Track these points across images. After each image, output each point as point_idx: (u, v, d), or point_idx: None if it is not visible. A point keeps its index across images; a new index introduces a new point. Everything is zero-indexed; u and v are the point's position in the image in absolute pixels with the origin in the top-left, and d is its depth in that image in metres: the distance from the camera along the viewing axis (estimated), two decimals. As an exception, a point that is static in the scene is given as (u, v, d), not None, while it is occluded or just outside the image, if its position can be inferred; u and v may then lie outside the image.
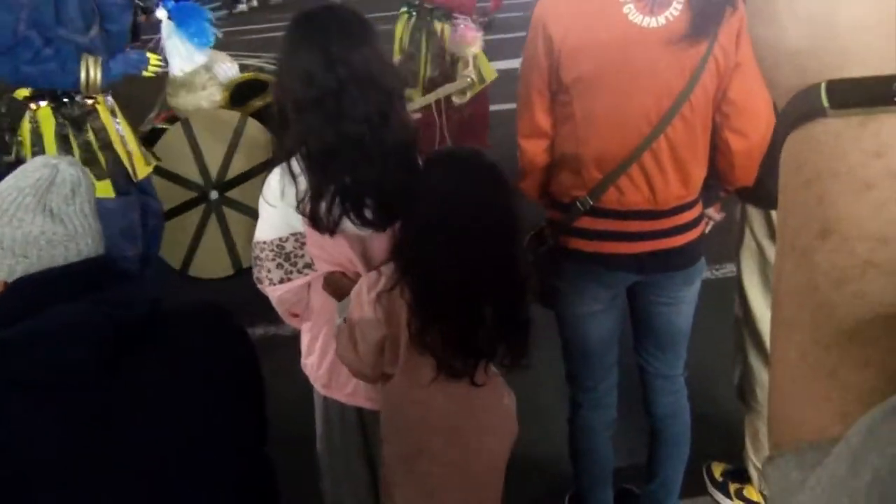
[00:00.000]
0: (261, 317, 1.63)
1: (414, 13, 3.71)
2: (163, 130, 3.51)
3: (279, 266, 1.51)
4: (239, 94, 3.46)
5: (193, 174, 3.46)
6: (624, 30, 1.49)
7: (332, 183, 1.41)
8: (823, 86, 0.40)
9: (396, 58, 3.79)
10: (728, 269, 2.24)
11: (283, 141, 1.47)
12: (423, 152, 1.53)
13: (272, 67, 3.97)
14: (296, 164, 1.45)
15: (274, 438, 1.23)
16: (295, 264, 1.52)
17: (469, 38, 3.51)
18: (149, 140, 3.37)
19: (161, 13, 2.41)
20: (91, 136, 2.47)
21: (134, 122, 3.45)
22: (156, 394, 1.12)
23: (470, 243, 1.32)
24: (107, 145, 2.49)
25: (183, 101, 3.31)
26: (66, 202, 1.13)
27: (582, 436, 1.93)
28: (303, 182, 1.43)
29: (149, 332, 1.15)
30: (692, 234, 1.70)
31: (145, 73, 2.52)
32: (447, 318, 1.35)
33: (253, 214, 1.67)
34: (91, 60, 2.35)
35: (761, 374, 1.99)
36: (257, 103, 3.49)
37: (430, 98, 3.54)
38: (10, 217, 1.10)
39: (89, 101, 2.46)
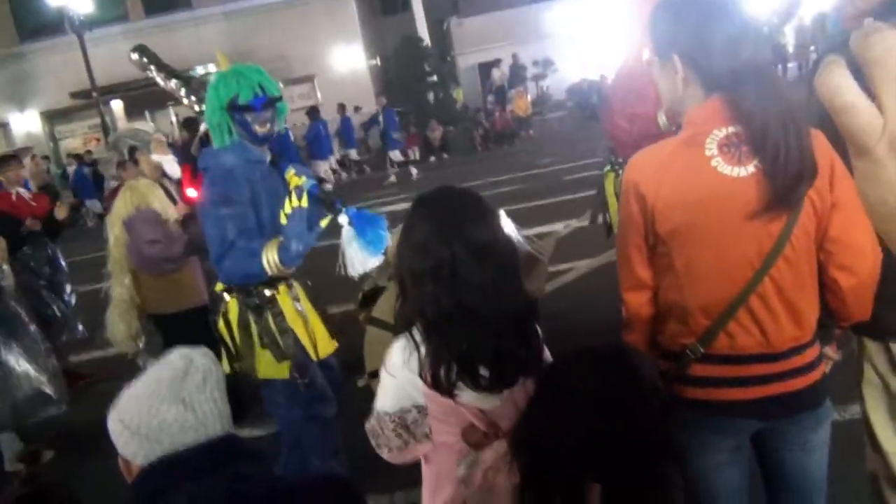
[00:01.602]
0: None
1: (620, 170, 3.71)
2: (383, 288, 3.77)
3: (398, 435, 1.55)
4: None
5: None
6: (713, 181, 1.52)
7: (449, 349, 1.47)
8: None
9: (614, 214, 3.75)
10: (855, 410, 2.10)
11: (402, 311, 1.55)
12: None
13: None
14: (417, 334, 1.52)
15: None
16: (413, 434, 1.56)
17: None
18: (371, 297, 3.60)
19: (343, 219, 2.51)
20: (270, 322, 2.67)
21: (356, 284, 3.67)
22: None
23: (605, 446, 1.29)
24: (284, 330, 2.69)
25: None
26: (198, 390, 1.23)
27: None
28: (423, 350, 1.50)
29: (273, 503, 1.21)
30: (813, 376, 1.63)
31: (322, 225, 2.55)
32: None
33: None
34: (269, 246, 2.49)
35: None
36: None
37: None
38: (149, 407, 1.21)
39: (268, 292, 2.69)
